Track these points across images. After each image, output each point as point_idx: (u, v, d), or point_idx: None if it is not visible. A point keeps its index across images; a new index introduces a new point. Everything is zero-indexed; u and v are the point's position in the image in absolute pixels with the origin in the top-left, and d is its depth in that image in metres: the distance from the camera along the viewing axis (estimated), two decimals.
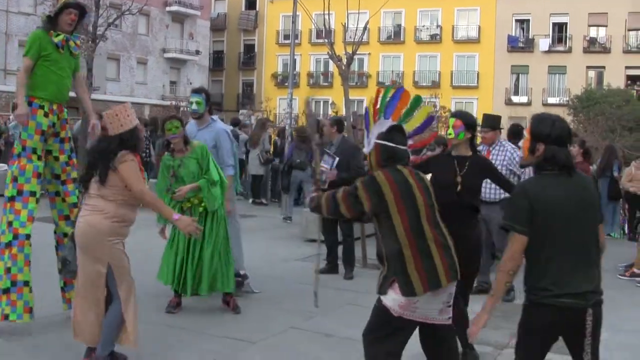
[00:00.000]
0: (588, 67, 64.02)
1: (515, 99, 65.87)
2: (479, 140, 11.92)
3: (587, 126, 44.13)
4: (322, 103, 70.02)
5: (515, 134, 13.52)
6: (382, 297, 5.84)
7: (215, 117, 10.53)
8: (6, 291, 7.89)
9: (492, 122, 11.24)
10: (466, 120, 8.00)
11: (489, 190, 10.85)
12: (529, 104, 64.62)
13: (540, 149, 5.13)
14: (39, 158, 8.24)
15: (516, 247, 5.09)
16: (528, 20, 66.76)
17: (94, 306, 6.96)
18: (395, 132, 6.05)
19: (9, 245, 7.97)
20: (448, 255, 5.78)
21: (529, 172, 10.87)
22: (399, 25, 70.78)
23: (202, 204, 9.28)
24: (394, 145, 5.99)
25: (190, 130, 10.20)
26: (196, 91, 10.41)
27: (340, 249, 12.52)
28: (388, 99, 6.19)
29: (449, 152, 8.23)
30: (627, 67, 62.68)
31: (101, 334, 6.97)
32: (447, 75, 68.38)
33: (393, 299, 5.74)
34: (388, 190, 5.68)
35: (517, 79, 67.32)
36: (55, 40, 8.24)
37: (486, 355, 8.07)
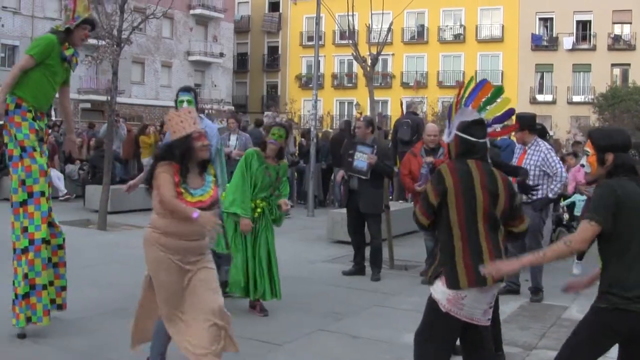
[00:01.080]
0: (613, 65, 63.68)
1: (540, 97, 65.64)
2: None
3: (612, 124, 43.93)
4: (346, 104, 70.16)
5: (540, 133, 13.46)
6: (432, 290, 5.86)
7: (202, 115, 10.61)
8: (26, 296, 7.85)
9: (522, 122, 11.18)
10: None
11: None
12: (553, 102, 64.48)
13: (610, 158, 5.31)
14: (41, 155, 8.10)
15: (589, 234, 5.16)
16: (552, 19, 66.49)
17: (139, 306, 6.83)
18: (476, 126, 6.06)
19: (25, 251, 7.90)
20: (498, 258, 5.74)
21: (561, 171, 10.84)
22: (422, 26, 70.72)
23: (258, 209, 9.39)
24: (474, 140, 6.00)
25: None
26: (185, 90, 10.32)
27: (367, 250, 12.49)
28: (470, 89, 6.20)
29: None
30: None
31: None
32: (472, 75, 68.10)
33: (442, 292, 5.78)
34: (450, 180, 5.77)
35: (542, 78, 67.09)
36: (67, 53, 8.15)
37: (515, 356, 8.04)
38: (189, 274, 6.48)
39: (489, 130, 6.29)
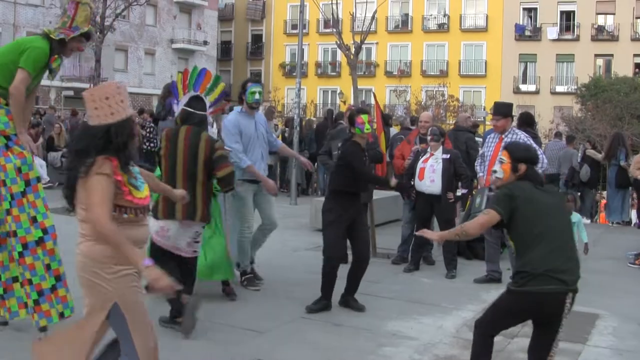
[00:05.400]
0: (596, 55, 63.92)
1: (523, 87, 65.84)
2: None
3: (595, 114, 44.11)
4: (330, 93, 70.13)
5: (525, 121, 13.49)
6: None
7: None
8: (53, 289, 7.46)
9: (502, 109, 11.24)
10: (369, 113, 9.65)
11: None
12: (537, 92, 64.66)
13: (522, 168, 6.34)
14: None
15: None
16: (536, 9, 66.67)
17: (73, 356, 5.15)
18: (195, 101, 8.34)
19: (40, 241, 7.44)
20: (190, 201, 7.25)
21: (542, 158, 10.87)
22: (407, 15, 70.76)
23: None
24: (192, 110, 8.28)
25: (240, 121, 10.04)
26: (256, 81, 10.31)
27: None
28: (195, 77, 8.35)
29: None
30: (635, 55, 62.53)
31: None
32: (455, 64, 68.34)
33: (152, 226, 7.63)
34: (165, 143, 8.22)
35: (525, 68, 67.27)
36: (53, 65, 7.74)
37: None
38: None
39: (210, 110, 8.59)
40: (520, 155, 6.25)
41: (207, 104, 8.50)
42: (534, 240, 5.89)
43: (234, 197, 9.86)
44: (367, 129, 9.20)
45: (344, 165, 9.28)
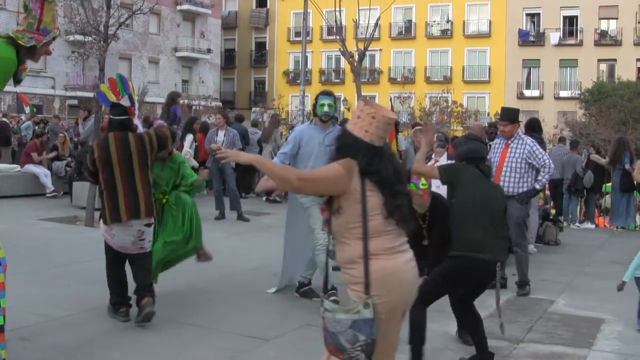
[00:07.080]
0: (599, 60, 63.97)
1: (527, 93, 65.85)
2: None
3: (599, 119, 44.07)
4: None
5: (531, 127, 13.47)
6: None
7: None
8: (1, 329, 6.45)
9: (510, 115, 11.21)
10: None
11: (507, 183, 10.83)
12: (540, 97, 64.67)
13: None
14: None
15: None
16: (539, 14, 66.72)
17: None
18: (114, 108, 8.61)
19: None
20: (132, 200, 8.28)
21: (549, 163, 10.86)
22: (410, 21, 70.84)
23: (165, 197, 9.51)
24: (111, 117, 8.63)
25: (305, 132, 9.90)
26: (327, 93, 9.95)
27: None
28: (121, 83, 8.61)
29: None
30: (638, 60, 62.55)
31: None
32: (459, 70, 68.36)
33: (101, 227, 8.48)
34: (97, 152, 8.41)
35: (529, 73, 67.31)
36: (22, 76, 6.74)
37: (502, 349, 8.07)
38: None
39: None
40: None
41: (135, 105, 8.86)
42: (468, 218, 7.11)
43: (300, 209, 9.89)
44: (422, 185, 8.54)
45: None
